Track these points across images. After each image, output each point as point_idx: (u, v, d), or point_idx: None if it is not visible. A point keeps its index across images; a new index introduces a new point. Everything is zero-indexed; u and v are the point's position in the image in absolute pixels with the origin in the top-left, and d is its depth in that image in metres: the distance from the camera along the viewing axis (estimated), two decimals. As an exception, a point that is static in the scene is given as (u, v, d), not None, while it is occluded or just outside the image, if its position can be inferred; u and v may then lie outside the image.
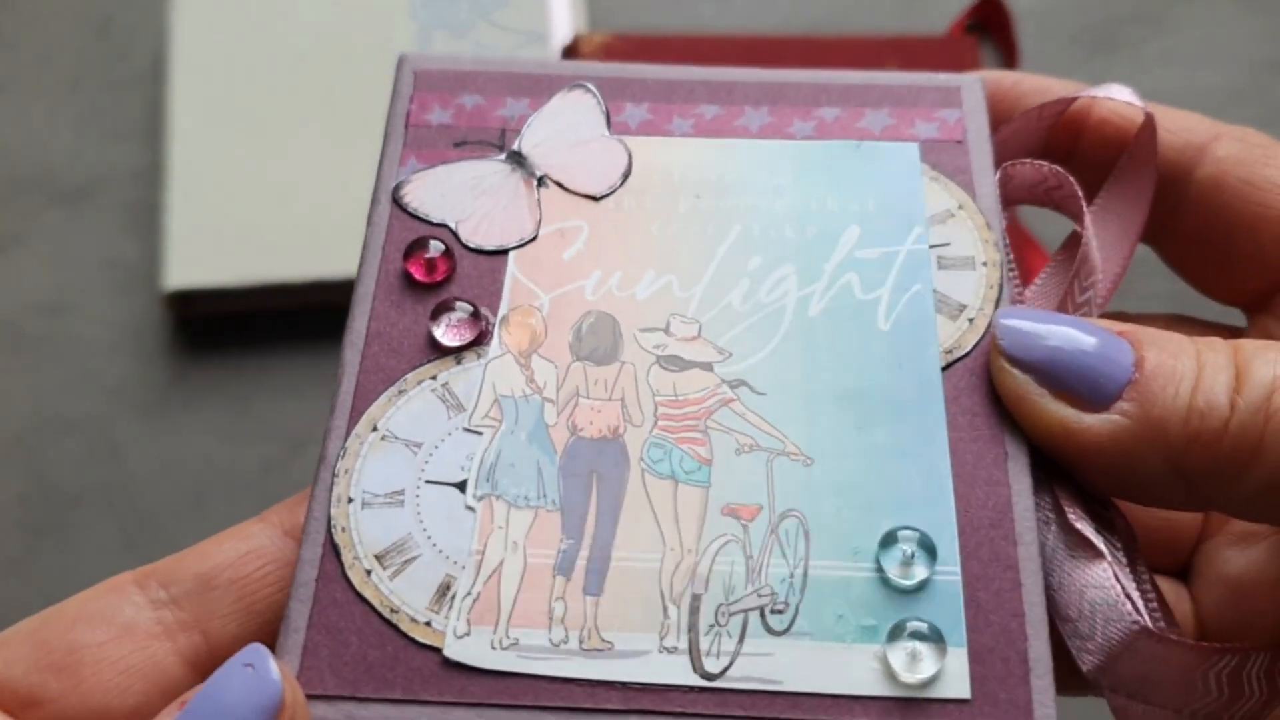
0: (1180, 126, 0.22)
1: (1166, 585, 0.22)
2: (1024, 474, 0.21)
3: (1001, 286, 0.23)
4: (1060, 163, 0.23)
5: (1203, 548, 0.23)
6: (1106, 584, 0.19)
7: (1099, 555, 0.19)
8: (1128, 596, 0.18)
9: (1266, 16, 0.56)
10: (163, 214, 0.48)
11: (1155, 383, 0.18)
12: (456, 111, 0.25)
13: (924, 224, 0.23)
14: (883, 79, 0.25)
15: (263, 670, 0.18)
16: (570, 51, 0.47)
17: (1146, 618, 0.18)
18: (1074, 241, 0.23)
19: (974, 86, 0.25)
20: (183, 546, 0.21)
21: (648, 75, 0.25)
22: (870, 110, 0.25)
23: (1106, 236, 0.22)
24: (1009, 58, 0.54)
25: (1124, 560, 0.19)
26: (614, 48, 0.47)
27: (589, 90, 0.25)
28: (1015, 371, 0.20)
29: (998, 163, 0.24)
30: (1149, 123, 0.22)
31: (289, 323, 0.49)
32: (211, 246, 0.47)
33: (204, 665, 0.20)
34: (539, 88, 0.25)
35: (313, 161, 0.49)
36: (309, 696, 0.19)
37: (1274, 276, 0.21)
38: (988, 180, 0.24)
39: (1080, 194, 0.22)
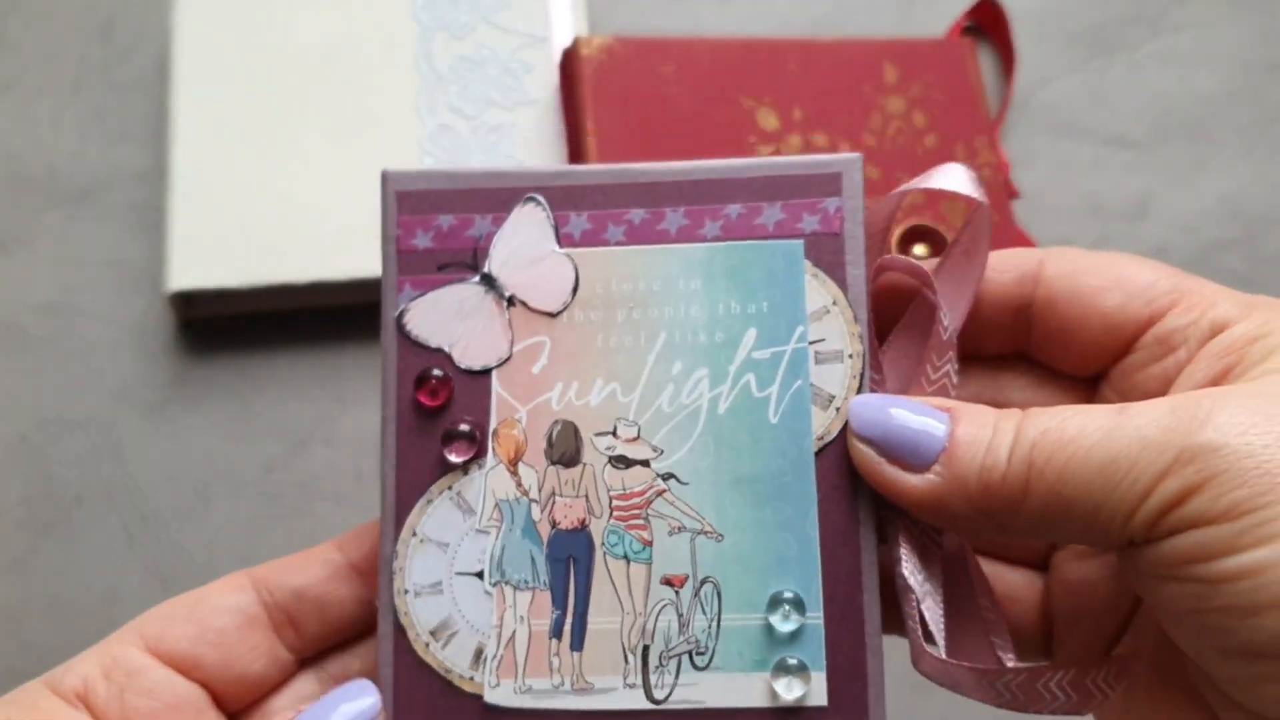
0: (1012, 264, 0.27)
1: (1032, 576, 0.29)
2: (870, 536, 0.26)
3: (863, 375, 0.27)
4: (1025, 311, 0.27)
5: (1055, 555, 0.29)
6: (911, 620, 0.26)
7: (910, 592, 0.26)
8: (919, 625, 0.25)
9: (1263, 18, 0.56)
10: (166, 215, 0.48)
11: (960, 449, 0.24)
12: (435, 234, 0.29)
13: (805, 323, 0.27)
14: (779, 166, 0.28)
15: (365, 691, 0.26)
16: (570, 54, 0.47)
17: (927, 645, 0.25)
18: (919, 313, 0.28)
19: (852, 169, 0.28)
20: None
21: (585, 180, 0.29)
22: (766, 205, 0.28)
23: (949, 301, 0.27)
24: (1006, 60, 0.54)
25: (937, 593, 0.26)
26: (614, 50, 0.47)
27: (539, 204, 0.29)
28: (859, 445, 0.25)
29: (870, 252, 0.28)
30: (980, 209, 0.26)
31: (291, 323, 0.49)
32: (214, 247, 0.47)
33: (299, 653, 0.28)
34: (498, 201, 0.29)
35: (315, 163, 0.49)
36: None
37: (1105, 358, 0.26)
38: (859, 272, 0.27)
39: (934, 289, 0.27)
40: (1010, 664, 0.26)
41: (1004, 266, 0.27)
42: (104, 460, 0.48)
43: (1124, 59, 0.55)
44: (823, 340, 0.27)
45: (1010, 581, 0.29)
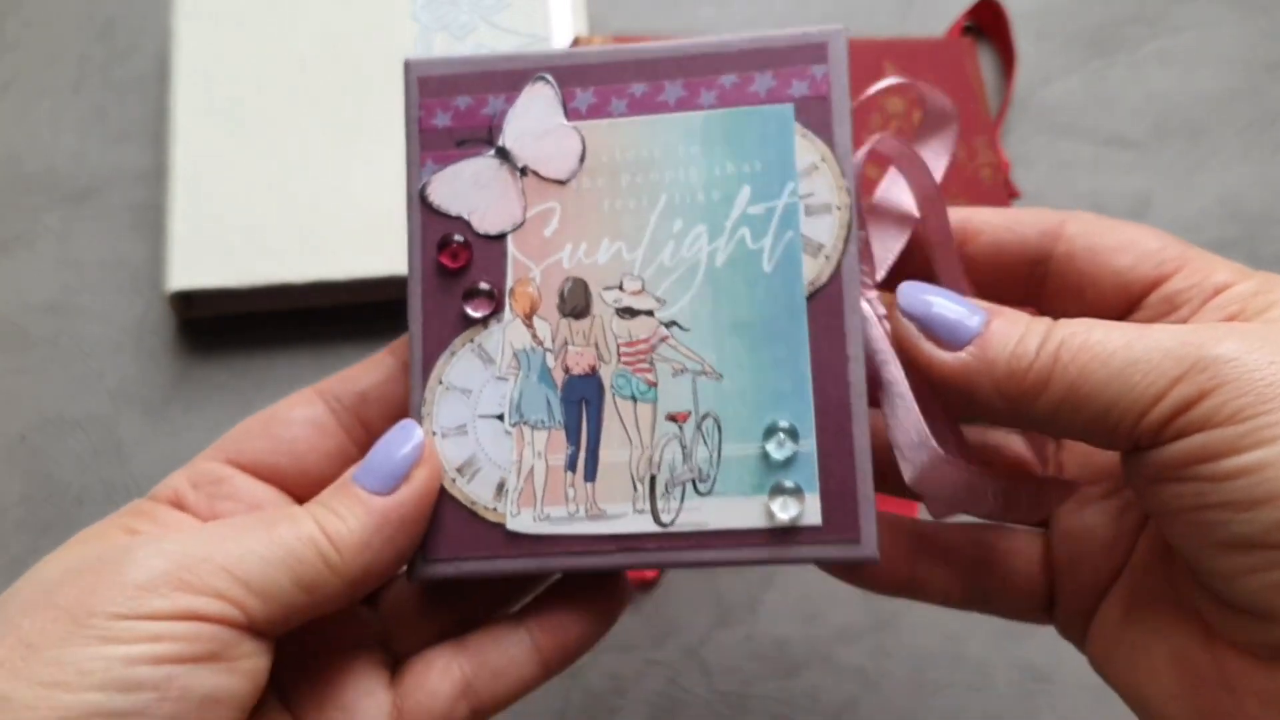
0: (1036, 220, 0.30)
1: (1034, 535, 0.32)
2: (859, 371, 0.29)
3: (850, 226, 0.29)
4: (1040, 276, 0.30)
5: (1054, 512, 0.31)
6: (918, 428, 0.28)
7: (912, 411, 0.28)
8: (929, 436, 0.28)
9: (1264, 18, 0.56)
10: (166, 215, 0.48)
11: (993, 337, 0.26)
12: (454, 113, 0.32)
13: (795, 179, 0.30)
14: (770, 39, 0.31)
15: (410, 429, 0.29)
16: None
17: (938, 449, 0.28)
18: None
19: (838, 39, 0.30)
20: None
21: (590, 59, 0.31)
22: (758, 74, 0.30)
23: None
24: (1006, 60, 0.55)
25: (932, 415, 0.29)
26: (614, 50, 0.47)
27: (548, 82, 0.31)
28: (902, 319, 0.28)
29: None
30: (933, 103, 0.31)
31: (292, 323, 0.49)
32: (214, 247, 0.48)
33: (368, 448, 0.29)
34: (511, 82, 0.31)
35: (315, 163, 0.49)
36: (434, 559, 0.29)
37: (1113, 314, 0.28)
38: (844, 130, 0.30)
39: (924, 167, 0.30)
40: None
41: (1029, 221, 0.29)
42: (104, 460, 0.48)
43: (1124, 59, 0.55)
44: (812, 194, 0.30)
45: (1014, 543, 0.32)
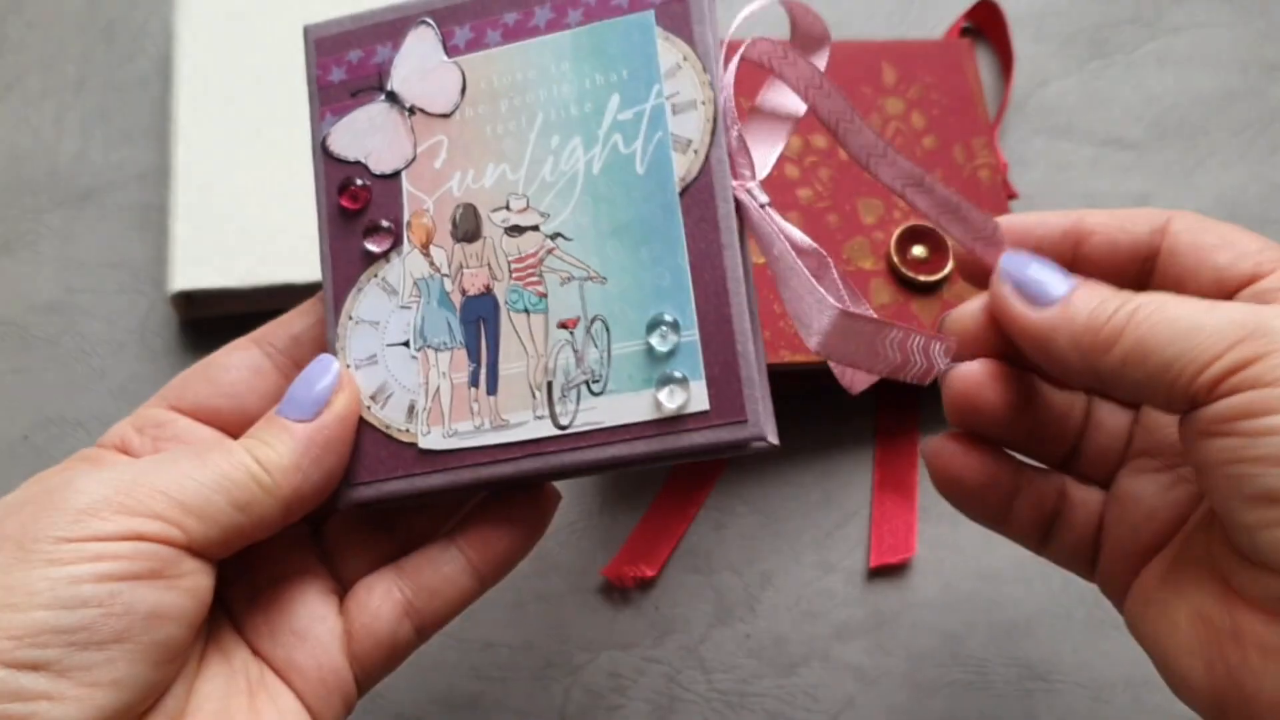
0: (1146, 218, 0.31)
1: (1099, 493, 0.33)
2: (736, 256, 0.29)
3: (716, 119, 0.30)
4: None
5: (1118, 472, 0.33)
6: (811, 291, 0.29)
7: (804, 277, 0.29)
8: (825, 295, 0.29)
9: (1262, 19, 0.56)
10: (168, 216, 0.49)
11: (1078, 298, 0.28)
12: (347, 67, 0.34)
13: (659, 80, 0.31)
14: None
15: (326, 361, 0.31)
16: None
17: (834, 304, 0.29)
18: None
19: None
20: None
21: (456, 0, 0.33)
22: None
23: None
24: (1004, 61, 0.55)
25: (826, 275, 0.31)
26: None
27: (428, 24, 0.33)
28: (1000, 283, 0.30)
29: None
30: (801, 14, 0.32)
31: (293, 323, 0.49)
32: (217, 248, 0.48)
33: None
34: (396, 30, 0.33)
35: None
36: (355, 484, 0.31)
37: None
38: (703, 29, 0.31)
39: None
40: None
41: (1140, 219, 0.31)
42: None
43: (1122, 60, 0.55)
44: (677, 94, 0.31)
45: (1080, 494, 0.33)
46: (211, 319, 0.50)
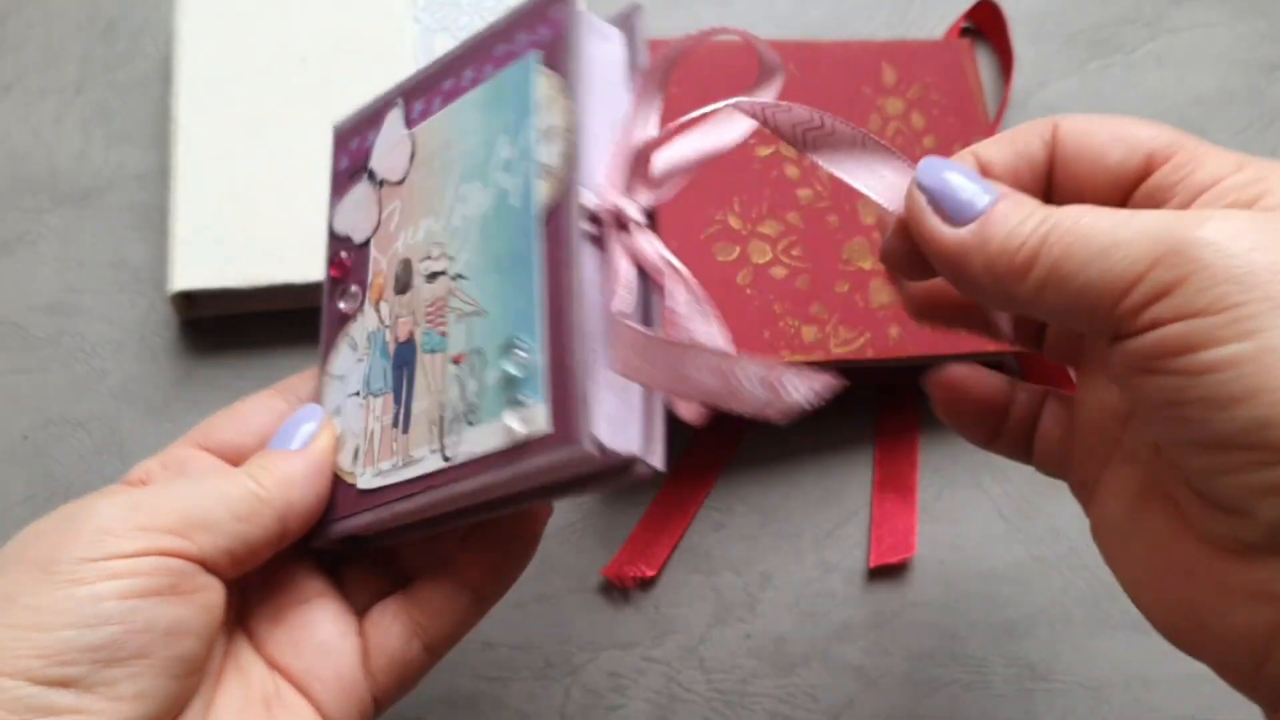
0: (1032, 132, 0.29)
1: (1067, 398, 0.32)
2: (578, 272, 0.29)
3: (575, 145, 0.30)
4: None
5: (1081, 368, 0.31)
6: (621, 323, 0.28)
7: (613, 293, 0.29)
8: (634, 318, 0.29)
9: (1261, 20, 0.56)
10: (168, 215, 0.49)
11: (995, 216, 0.26)
12: (349, 155, 0.37)
13: (531, 114, 0.31)
14: (523, 6, 0.33)
15: (312, 409, 0.34)
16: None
17: (633, 326, 0.27)
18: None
19: None
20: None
21: (423, 73, 0.35)
22: (518, 34, 0.33)
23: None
24: (1004, 61, 0.55)
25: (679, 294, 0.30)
26: (614, 51, 0.47)
27: (397, 104, 0.36)
28: (915, 191, 0.27)
29: None
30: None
31: (293, 323, 0.49)
32: (217, 248, 0.48)
33: None
34: (379, 116, 0.36)
35: (317, 164, 0.49)
36: (323, 524, 0.33)
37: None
38: (577, 60, 0.31)
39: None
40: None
41: (1029, 138, 0.29)
42: (107, 459, 0.48)
43: (1121, 60, 0.55)
44: (550, 125, 0.31)
45: (1058, 402, 0.32)
46: (211, 319, 0.50)
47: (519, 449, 0.29)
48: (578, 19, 0.31)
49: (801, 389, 0.26)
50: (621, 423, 0.28)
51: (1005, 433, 0.33)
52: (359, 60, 0.51)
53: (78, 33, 0.56)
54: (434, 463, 0.31)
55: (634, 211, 0.30)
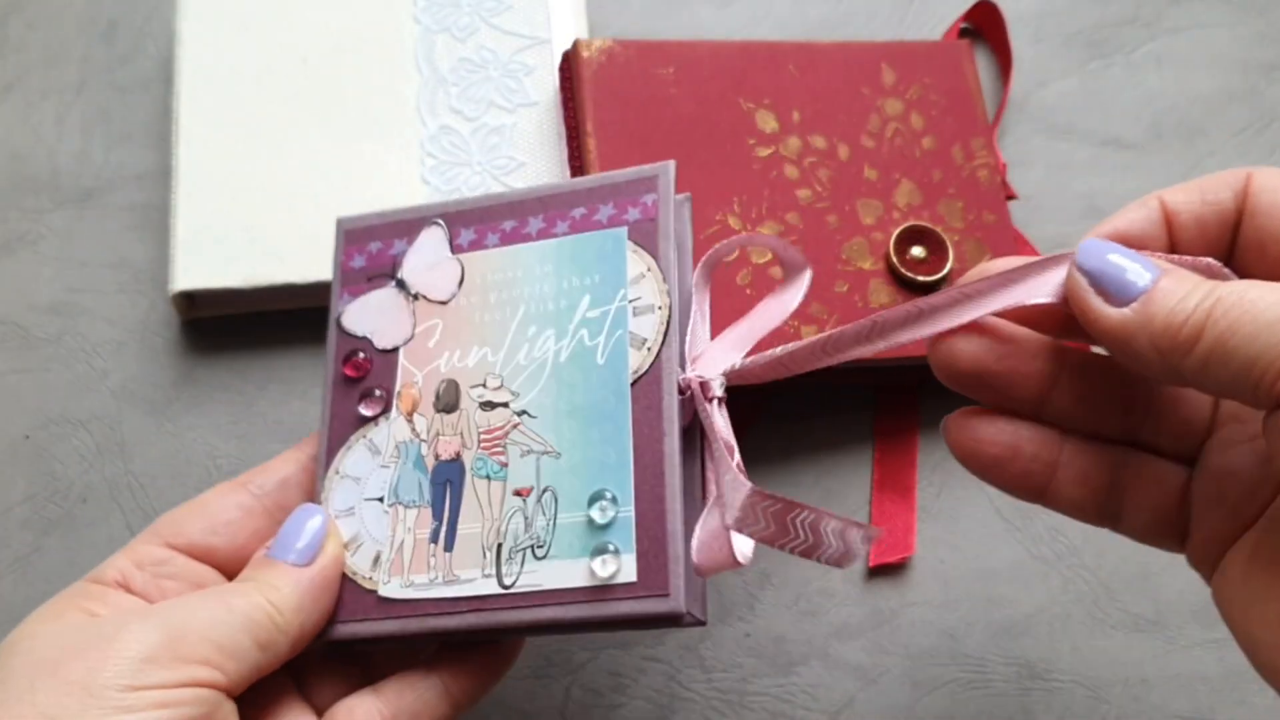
0: (1224, 183, 0.29)
1: (1179, 468, 0.31)
2: (674, 443, 0.32)
3: (669, 322, 0.34)
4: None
5: (1206, 443, 0.31)
6: (732, 472, 0.31)
7: (725, 460, 0.31)
8: (741, 474, 0.31)
9: (1260, 20, 0.56)
10: (170, 216, 0.49)
11: (1158, 294, 0.26)
12: (368, 256, 0.39)
13: (625, 286, 0.35)
14: (611, 177, 0.36)
15: (314, 510, 0.35)
16: (570, 56, 0.48)
17: (750, 485, 0.30)
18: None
19: (667, 171, 0.36)
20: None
21: (472, 204, 0.38)
22: (602, 205, 0.36)
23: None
24: (1003, 61, 0.55)
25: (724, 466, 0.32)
26: (614, 52, 0.47)
27: (439, 225, 0.38)
28: (1076, 274, 0.28)
29: None
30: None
31: (295, 323, 0.49)
32: (218, 248, 0.48)
33: None
34: (412, 228, 0.38)
35: (318, 164, 0.49)
36: (333, 623, 0.34)
37: None
38: (668, 244, 0.35)
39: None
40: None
41: (1219, 188, 0.29)
42: (108, 459, 0.48)
43: (1121, 60, 0.56)
44: (639, 298, 0.35)
45: (1154, 470, 0.31)
46: (212, 319, 0.50)
47: (600, 591, 0.32)
48: (678, 210, 0.36)
49: (863, 545, 0.30)
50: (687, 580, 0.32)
51: (1058, 493, 0.32)
52: (359, 60, 0.51)
53: (79, 33, 0.56)
54: (486, 586, 0.33)
55: (718, 388, 0.34)
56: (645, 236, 0.35)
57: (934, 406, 0.48)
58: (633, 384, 0.33)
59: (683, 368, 0.34)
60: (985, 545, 0.46)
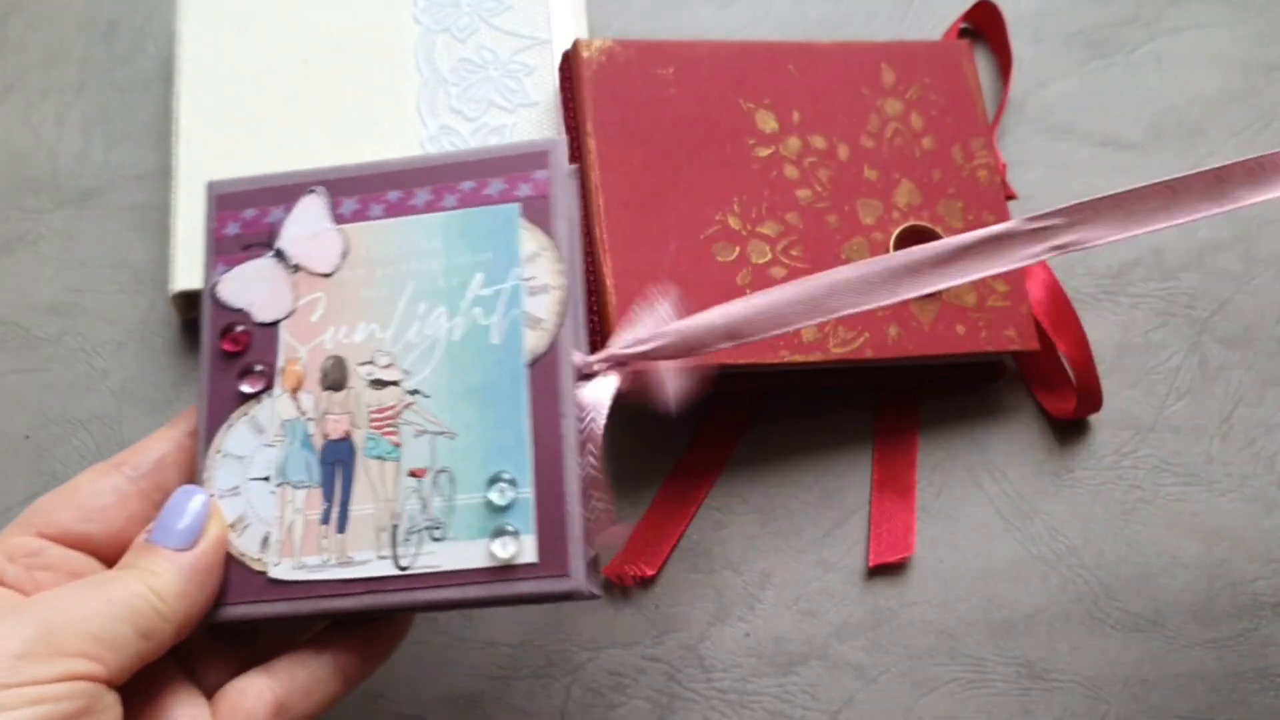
0: None
1: None
2: (571, 425, 0.33)
3: (565, 303, 0.34)
4: None
5: None
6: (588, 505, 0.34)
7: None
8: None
9: (1260, 20, 0.56)
10: (170, 216, 0.49)
11: None
12: (242, 223, 0.37)
13: (519, 264, 0.35)
14: (499, 150, 0.36)
15: (193, 492, 0.33)
16: (570, 56, 0.48)
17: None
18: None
19: (558, 147, 0.36)
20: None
21: (353, 172, 0.37)
22: (492, 179, 0.36)
23: None
24: (1003, 62, 0.55)
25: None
26: (614, 52, 0.47)
27: (319, 193, 0.37)
28: None
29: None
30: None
31: (294, 323, 0.49)
32: (218, 248, 0.48)
33: None
34: (290, 194, 0.37)
35: (317, 164, 0.49)
36: (220, 605, 0.33)
37: None
38: (562, 224, 0.35)
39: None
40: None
41: None
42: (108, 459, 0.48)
43: (1121, 60, 0.56)
44: (534, 277, 0.35)
45: None
46: (212, 319, 0.50)
47: (500, 571, 0.32)
48: (567, 185, 0.35)
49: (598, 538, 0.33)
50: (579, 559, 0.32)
51: None
52: (359, 61, 0.51)
53: (79, 33, 0.56)
54: (382, 567, 0.33)
55: (597, 363, 0.35)
56: (538, 214, 0.35)
57: (934, 406, 0.48)
58: (530, 365, 0.34)
59: (579, 348, 0.34)
60: (985, 545, 0.46)
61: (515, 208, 0.35)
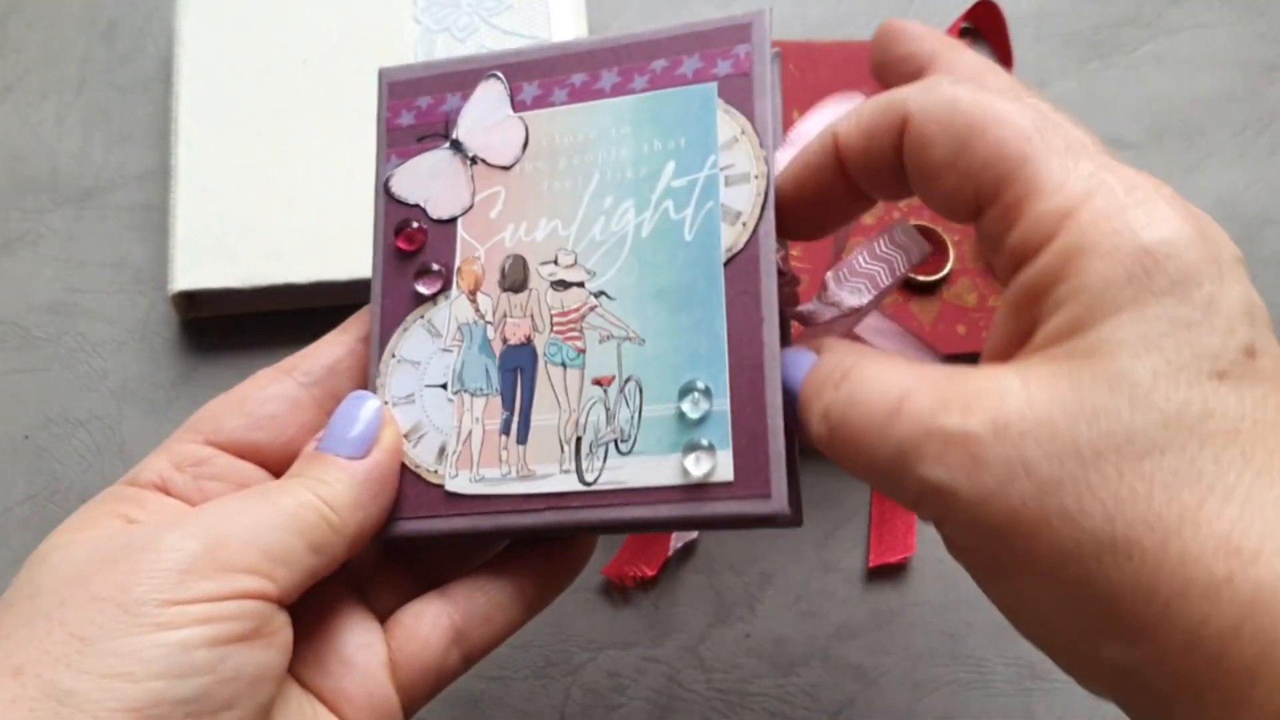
0: (884, 123, 0.27)
1: None
2: (773, 333, 0.29)
3: (767, 194, 0.30)
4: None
5: None
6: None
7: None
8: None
9: (1260, 20, 0.56)
10: (169, 216, 0.49)
11: (803, 395, 0.28)
12: (416, 112, 0.34)
13: (716, 152, 0.31)
14: (698, 24, 0.32)
15: (365, 398, 0.31)
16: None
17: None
18: None
19: (762, 20, 0.32)
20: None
21: (535, 55, 0.34)
22: (686, 57, 0.32)
23: None
24: (1004, 61, 0.55)
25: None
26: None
27: (498, 78, 0.34)
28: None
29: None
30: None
31: (294, 323, 0.49)
32: (218, 248, 0.48)
33: None
34: (466, 81, 0.34)
35: (318, 164, 0.49)
36: (395, 519, 0.31)
37: (966, 215, 0.26)
38: (765, 104, 0.31)
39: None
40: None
41: (878, 129, 0.27)
42: (108, 459, 0.48)
43: (1121, 60, 0.56)
44: (732, 166, 0.31)
45: None
46: (212, 319, 0.50)
47: (693, 490, 0.29)
48: (773, 63, 0.32)
49: (904, 235, 0.30)
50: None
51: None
52: (359, 61, 0.51)
53: (79, 33, 0.56)
54: (565, 482, 0.30)
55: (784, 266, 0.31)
56: (738, 94, 0.31)
57: (934, 407, 0.48)
58: (726, 264, 0.30)
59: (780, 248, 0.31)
60: (985, 545, 0.46)
61: (713, 87, 0.32)
